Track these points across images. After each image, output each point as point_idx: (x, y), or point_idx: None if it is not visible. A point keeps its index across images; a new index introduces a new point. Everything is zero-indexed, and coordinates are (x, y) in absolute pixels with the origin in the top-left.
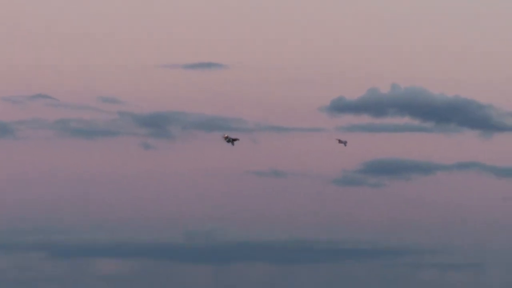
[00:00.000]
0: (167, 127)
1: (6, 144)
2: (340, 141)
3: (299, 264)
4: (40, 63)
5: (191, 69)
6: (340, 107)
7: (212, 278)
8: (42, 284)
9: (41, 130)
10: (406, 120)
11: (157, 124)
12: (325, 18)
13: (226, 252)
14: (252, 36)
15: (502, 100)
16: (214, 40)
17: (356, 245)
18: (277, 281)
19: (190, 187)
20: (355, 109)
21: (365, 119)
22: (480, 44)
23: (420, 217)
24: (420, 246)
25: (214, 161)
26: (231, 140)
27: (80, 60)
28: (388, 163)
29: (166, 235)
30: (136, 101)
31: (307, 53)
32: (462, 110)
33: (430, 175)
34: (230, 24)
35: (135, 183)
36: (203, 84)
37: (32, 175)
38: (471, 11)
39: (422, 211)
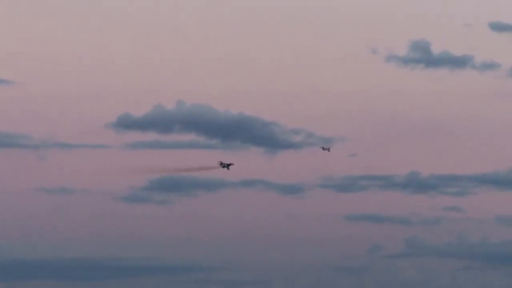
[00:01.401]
0: None
1: None
2: (323, 148)
3: (86, 282)
4: None
5: None
6: (126, 123)
7: None
8: None
9: None
10: (191, 137)
11: None
12: (110, 35)
13: (12, 270)
14: (38, 52)
15: (286, 118)
16: (0, 56)
17: (143, 262)
18: None
19: None
20: (141, 126)
21: (151, 135)
22: (263, 60)
23: (206, 234)
24: (206, 263)
25: (1, 177)
26: (226, 166)
27: None
28: (175, 180)
29: None
30: None
31: (91, 69)
32: (246, 127)
33: (215, 192)
34: (16, 40)
35: None
36: None
37: None
38: (255, 23)
39: (208, 228)
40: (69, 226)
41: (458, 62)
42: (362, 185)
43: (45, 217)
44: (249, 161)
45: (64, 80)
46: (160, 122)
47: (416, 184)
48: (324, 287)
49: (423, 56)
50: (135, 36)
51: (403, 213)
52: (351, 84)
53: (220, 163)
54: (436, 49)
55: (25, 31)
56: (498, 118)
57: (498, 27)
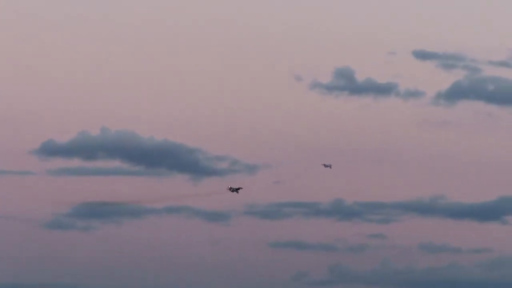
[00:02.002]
0: None
1: None
2: (325, 165)
3: None
4: None
5: None
6: (50, 150)
7: None
8: None
9: None
10: (116, 163)
11: None
12: (33, 61)
13: None
14: None
15: (210, 144)
16: None
17: None
18: None
19: None
20: (65, 152)
21: (75, 162)
22: (187, 86)
23: (130, 260)
24: None
25: None
26: (235, 190)
27: None
28: (98, 206)
29: None
30: None
31: (14, 94)
32: (171, 154)
33: (140, 218)
34: None
35: None
36: None
37: None
38: (178, 50)
39: (132, 255)
40: None
41: (382, 90)
42: (287, 212)
43: None
44: (174, 188)
45: None
46: (84, 148)
47: (341, 211)
48: None
49: (347, 84)
50: (59, 62)
51: (327, 240)
52: (276, 111)
53: (229, 188)
54: (360, 76)
55: None
56: (422, 146)
57: (422, 55)
